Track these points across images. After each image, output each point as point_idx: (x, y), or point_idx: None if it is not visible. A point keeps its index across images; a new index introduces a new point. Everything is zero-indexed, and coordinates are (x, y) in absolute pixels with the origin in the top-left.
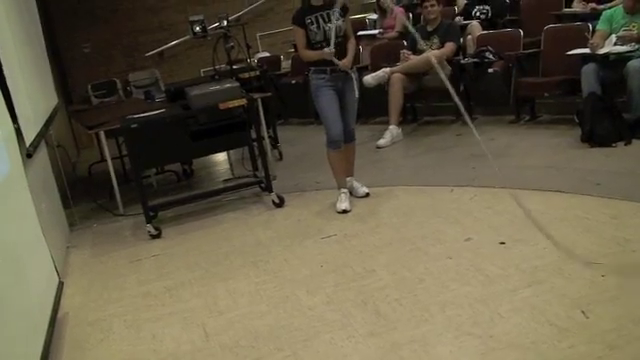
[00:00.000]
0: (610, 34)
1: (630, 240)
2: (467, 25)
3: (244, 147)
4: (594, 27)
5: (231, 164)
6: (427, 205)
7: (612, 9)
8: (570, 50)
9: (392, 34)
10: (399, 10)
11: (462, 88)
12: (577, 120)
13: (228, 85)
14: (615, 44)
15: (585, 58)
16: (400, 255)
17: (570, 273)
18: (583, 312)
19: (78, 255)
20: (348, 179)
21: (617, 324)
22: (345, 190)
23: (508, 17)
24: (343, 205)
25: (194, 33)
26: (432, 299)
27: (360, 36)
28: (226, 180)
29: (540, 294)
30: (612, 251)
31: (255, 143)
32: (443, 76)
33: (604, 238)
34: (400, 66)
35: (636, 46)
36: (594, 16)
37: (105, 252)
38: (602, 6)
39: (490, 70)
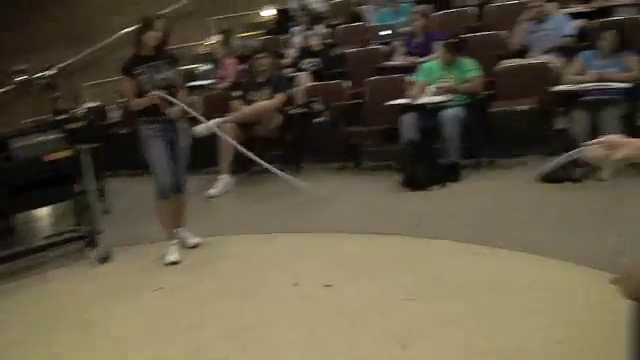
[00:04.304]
0: (429, 85)
1: (440, 276)
2: (295, 77)
3: (69, 200)
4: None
5: (54, 218)
6: (257, 253)
7: (430, 62)
8: (392, 100)
9: (225, 84)
10: (231, 61)
11: (290, 137)
12: (397, 166)
13: (52, 136)
14: (434, 94)
15: (405, 108)
16: (230, 304)
17: (391, 310)
18: (403, 346)
19: None
20: (179, 230)
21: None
22: (175, 241)
23: (336, 69)
24: (172, 257)
25: (15, 83)
26: (262, 347)
27: (190, 87)
28: (48, 236)
29: (363, 332)
30: (429, 286)
31: (80, 196)
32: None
33: (422, 275)
34: (232, 116)
35: (451, 96)
36: (415, 68)
37: None
38: (422, 59)
39: (316, 120)
